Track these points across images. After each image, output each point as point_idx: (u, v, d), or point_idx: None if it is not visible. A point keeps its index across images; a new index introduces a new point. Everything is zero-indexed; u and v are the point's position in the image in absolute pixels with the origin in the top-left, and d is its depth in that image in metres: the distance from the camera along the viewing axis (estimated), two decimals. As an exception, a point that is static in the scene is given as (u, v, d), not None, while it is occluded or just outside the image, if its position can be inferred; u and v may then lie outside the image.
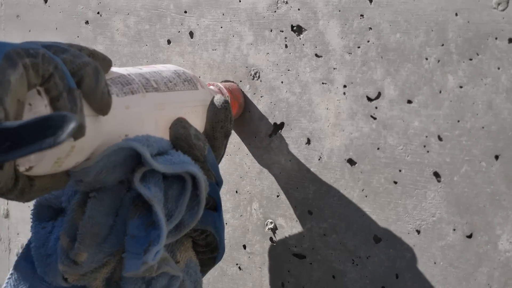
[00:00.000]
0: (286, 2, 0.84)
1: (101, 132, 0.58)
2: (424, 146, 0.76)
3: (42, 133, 0.42)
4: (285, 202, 0.88)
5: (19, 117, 0.50)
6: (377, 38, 0.78)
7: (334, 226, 0.84)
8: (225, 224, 0.92)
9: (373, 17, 0.78)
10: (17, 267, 0.70)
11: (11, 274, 0.70)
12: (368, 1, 0.78)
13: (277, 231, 0.89)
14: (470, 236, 0.74)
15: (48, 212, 0.69)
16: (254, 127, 0.89)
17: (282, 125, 0.87)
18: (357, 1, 0.78)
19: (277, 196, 0.88)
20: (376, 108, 0.79)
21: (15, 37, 1.14)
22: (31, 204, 1.12)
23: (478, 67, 0.71)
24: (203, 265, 0.72)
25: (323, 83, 0.82)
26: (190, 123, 0.68)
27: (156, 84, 0.67)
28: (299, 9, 0.83)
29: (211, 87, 0.85)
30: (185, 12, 0.93)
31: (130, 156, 0.61)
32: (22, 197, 0.55)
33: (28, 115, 0.52)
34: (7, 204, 1.21)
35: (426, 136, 0.76)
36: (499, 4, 0.70)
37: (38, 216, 0.69)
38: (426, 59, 0.75)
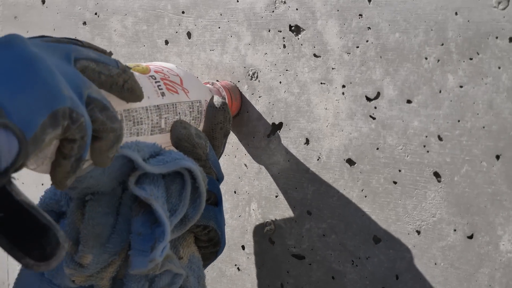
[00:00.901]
0: (284, 2, 0.83)
1: None
2: (424, 146, 0.76)
3: (36, 238, 0.46)
4: (284, 202, 0.87)
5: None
6: (376, 37, 0.77)
7: (333, 226, 0.83)
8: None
9: (372, 17, 0.77)
10: (24, 269, 0.70)
11: (19, 276, 0.70)
12: (366, 0, 0.77)
13: (276, 232, 0.89)
14: (471, 237, 0.74)
15: (50, 217, 0.69)
16: (253, 127, 0.88)
17: (280, 125, 0.86)
18: (355, 1, 0.78)
19: (276, 196, 0.88)
20: (375, 108, 0.78)
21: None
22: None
23: (479, 66, 0.71)
24: (205, 259, 0.72)
25: (321, 83, 0.82)
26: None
27: (165, 124, 0.68)
28: (297, 9, 0.83)
29: (209, 85, 0.85)
30: (183, 12, 0.93)
31: (124, 164, 0.62)
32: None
33: None
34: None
35: (426, 136, 0.75)
36: (499, 3, 0.69)
37: None
38: (426, 58, 0.74)
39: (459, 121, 0.73)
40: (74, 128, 0.50)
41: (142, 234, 0.61)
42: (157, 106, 0.67)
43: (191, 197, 0.64)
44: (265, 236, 0.90)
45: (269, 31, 0.85)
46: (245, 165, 0.90)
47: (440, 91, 0.74)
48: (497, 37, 0.70)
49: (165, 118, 0.68)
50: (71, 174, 0.53)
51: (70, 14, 1.06)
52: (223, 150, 0.77)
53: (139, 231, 0.61)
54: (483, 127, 0.72)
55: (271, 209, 0.89)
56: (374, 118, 0.79)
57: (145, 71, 0.69)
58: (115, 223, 0.64)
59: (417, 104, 0.75)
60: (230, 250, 0.93)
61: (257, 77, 0.87)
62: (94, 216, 0.63)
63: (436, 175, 0.75)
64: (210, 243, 0.71)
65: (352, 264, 0.82)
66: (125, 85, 0.60)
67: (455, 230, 0.75)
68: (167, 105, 0.69)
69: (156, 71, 0.71)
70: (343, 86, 0.80)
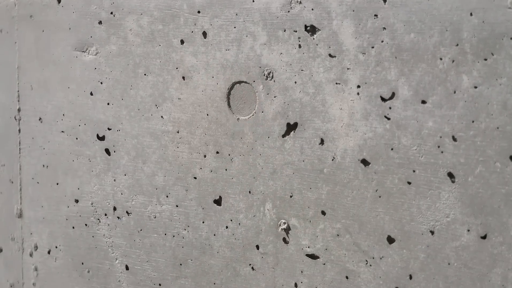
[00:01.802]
0: (300, 2, 0.84)
1: None
2: (438, 147, 0.76)
3: None
4: (298, 202, 0.87)
5: None
6: (391, 38, 0.77)
7: (347, 226, 0.84)
8: (238, 224, 0.92)
9: (387, 17, 0.77)
10: None
11: None
12: (382, 1, 0.77)
13: (290, 232, 0.89)
14: (484, 237, 0.74)
15: None
16: (268, 127, 0.89)
17: (295, 125, 0.86)
18: (371, 1, 0.78)
19: (291, 196, 0.88)
20: (390, 108, 0.79)
21: (28, 37, 1.15)
22: (44, 204, 1.13)
23: (493, 67, 0.71)
24: None
25: (336, 83, 0.82)
26: None
27: None
28: (312, 9, 0.83)
29: None
30: (199, 12, 0.94)
31: None
32: None
33: None
34: (20, 204, 1.22)
35: (440, 137, 0.75)
36: (514, 3, 0.69)
37: None
38: (441, 59, 0.74)
39: (473, 121, 0.73)
40: None
41: None
42: None
43: None
44: (280, 236, 0.90)
45: (285, 31, 0.86)
46: (260, 165, 0.90)
47: (454, 92, 0.74)
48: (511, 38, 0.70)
49: None
50: None
51: (86, 13, 1.07)
52: None
53: None
54: (497, 128, 0.72)
55: (286, 209, 0.89)
56: (388, 119, 0.79)
57: None
58: None
59: (431, 105, 0.76)
60: (245, 250, 0.93)
61: (272, 77, 0.87)
62: None
63: (450, 175, 0.75)
64: None
65: (366, 264, 0.82)
66: None
67: (468, 231, 0.75)
68: None
69: None
70: (358, 86, 0.80)
